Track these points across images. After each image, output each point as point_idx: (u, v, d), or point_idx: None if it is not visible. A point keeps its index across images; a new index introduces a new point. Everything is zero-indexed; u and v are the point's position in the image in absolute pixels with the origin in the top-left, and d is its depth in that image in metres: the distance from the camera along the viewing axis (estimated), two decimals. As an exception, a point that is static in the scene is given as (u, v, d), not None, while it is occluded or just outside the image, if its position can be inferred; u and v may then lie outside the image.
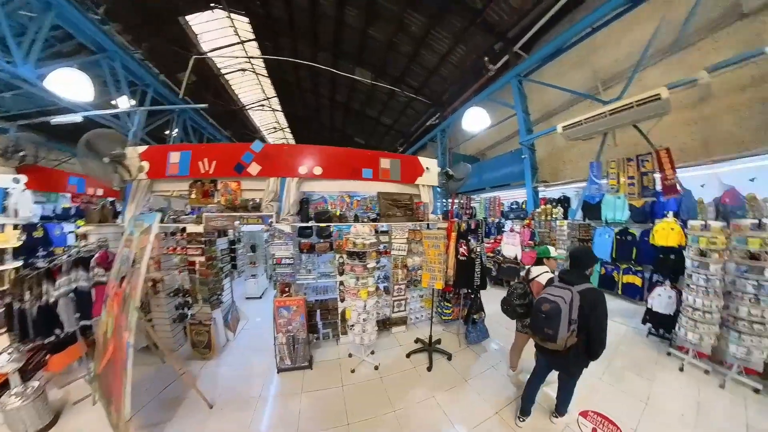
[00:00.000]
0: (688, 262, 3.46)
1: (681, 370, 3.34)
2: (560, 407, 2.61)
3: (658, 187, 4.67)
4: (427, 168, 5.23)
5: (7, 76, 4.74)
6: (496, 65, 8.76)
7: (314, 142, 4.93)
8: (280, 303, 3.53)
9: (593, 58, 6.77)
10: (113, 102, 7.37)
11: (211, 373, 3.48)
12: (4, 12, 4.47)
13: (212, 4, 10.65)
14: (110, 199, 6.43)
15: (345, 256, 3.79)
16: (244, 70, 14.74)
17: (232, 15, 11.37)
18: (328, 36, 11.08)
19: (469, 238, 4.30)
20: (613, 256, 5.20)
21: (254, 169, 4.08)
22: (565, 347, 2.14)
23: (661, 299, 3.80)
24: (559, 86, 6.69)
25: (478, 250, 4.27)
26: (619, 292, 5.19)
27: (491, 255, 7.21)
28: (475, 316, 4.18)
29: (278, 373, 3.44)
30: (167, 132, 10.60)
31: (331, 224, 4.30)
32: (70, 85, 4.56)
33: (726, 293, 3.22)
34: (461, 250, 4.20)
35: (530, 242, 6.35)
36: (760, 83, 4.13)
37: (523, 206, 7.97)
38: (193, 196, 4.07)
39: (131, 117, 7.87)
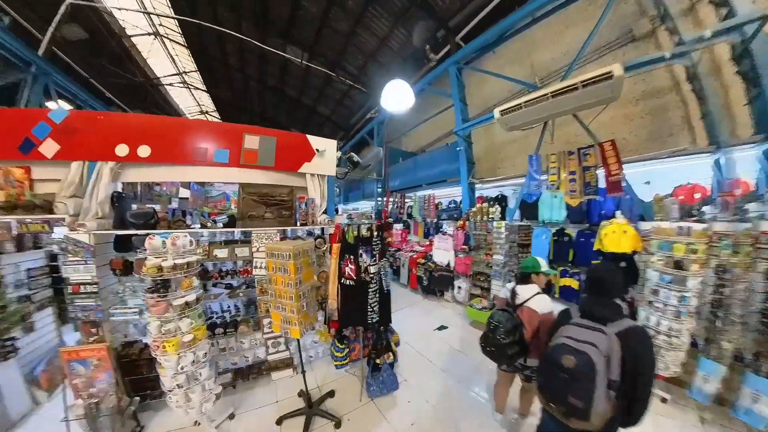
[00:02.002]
0: (652, 275, 2.53)
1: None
2: None
3: (602, 184, 3.89)
4: (318, 150, 3.65)
5: None
6: (438, 55, 7.82)
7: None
8: (70, 355, 2.35)
9: (532, 53, 6.15)
10: None
11: None
12: None
13: None
14: None
15: (146, 285, 2.25)
16: (156, 34, 11.67)
17: None
18: (256, 4, 9.07)
19: (360, 251, 2.84)
20: (550, 258, 4.36)
21: (50, 148, 2.61)
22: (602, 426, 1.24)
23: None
24: (498, 74, 5.86)
25: (374, 269, 2.86)
26: (557, 295, 4.38)
27: (422, 261, 6.01)
28: (377, 361, 2.79)
29: None
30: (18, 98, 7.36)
31: (154, 232, 2.61)
32: None
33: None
34: (347, 270, 2.74)
35: (464, 246, 5.28)
36: (648, 97, 4.47)
37: (460, 205, 7.02)
38: None
39: None
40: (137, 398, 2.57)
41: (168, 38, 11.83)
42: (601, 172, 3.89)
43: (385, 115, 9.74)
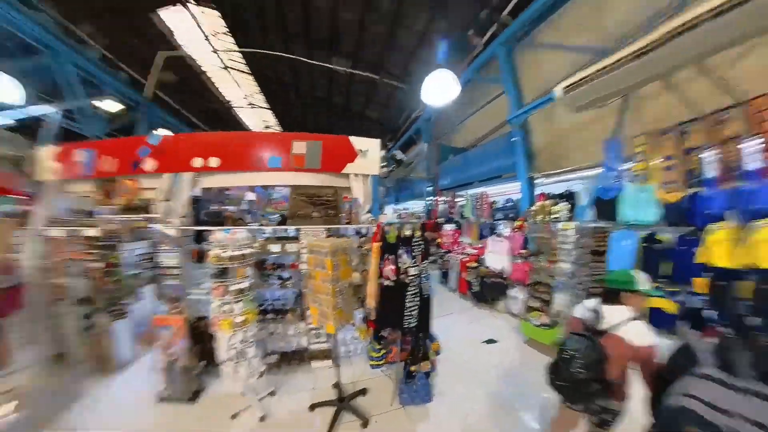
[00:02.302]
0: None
1: None
2: None
3: (752, 164, 2.57)
4: (361, 151, 3.65)
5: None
6: (483, 38, 7.06)
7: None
8: (160, 321, 2.92)
9: (603, 14, 4.99)
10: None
11: (95, 392, 3.00)
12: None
13: None
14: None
15: (210, 271, 2.66)
16: (227, 68, 13.50)
17: (204, 9, 10.10)
18: (298, 23, 9.64)
19: (401, 252, 2.64)
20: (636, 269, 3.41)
21: (150, 165, 3.42)
22: None
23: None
24: (559, 45, 4.94)
25: (413, 271, 2.66)
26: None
27: (474, 266, 5.48)
28: (412, 368, 2.66)
29: (159, 401, 2.86)
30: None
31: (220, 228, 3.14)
32: None
33: None
34: (386, 270, 2.57)
35: (522, 251, 4.61)
36: None
37: (519, 204, 6.22)
38: (98, 197, 3.60)
39: (91, 117, 7.49)
40: (203, 363, 3.08)
41: (235, 69, 13.43)
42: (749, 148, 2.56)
43: (430, 112, 9.29)
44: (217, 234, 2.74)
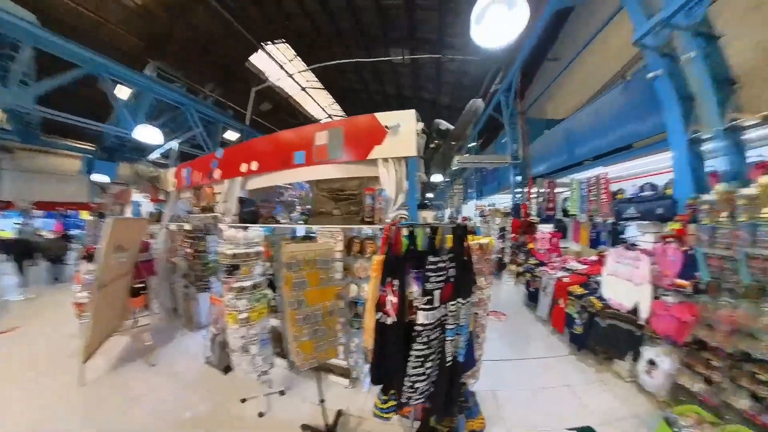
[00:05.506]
0: None
1: None
2: None
3: None
4: (388, 128, 2.68)
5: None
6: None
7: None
8: (212, 300, 3.29)
9: None
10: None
11: (178, 341, 3.86)
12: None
13: (262, 43, 10.97)
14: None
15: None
16: (305, 89, 14.64)
17: (277, 45, 11.22)
18: (349, 27, 9.18)
19: (413, 275, 1.53)
20: None
21: (217, 174, 4.10)
22: None
23: None
24: None
25: (428, 315, 1.50)
26: None
27: (579, 293, 3.38)
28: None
29: (205, 363, 3.24)
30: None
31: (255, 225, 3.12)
32: (147, 135, 6.11)
33: None
34: (388, 300, 1.53)
35: (682, 281, 2.35)
36: None
37: (667, 191, 3.54)
38: (193, 201, 4.60)
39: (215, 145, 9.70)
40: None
41: (311, 87, 14.30)
42: None
43: (511, 79, 6.97)
44: (227, 232, 2.64)
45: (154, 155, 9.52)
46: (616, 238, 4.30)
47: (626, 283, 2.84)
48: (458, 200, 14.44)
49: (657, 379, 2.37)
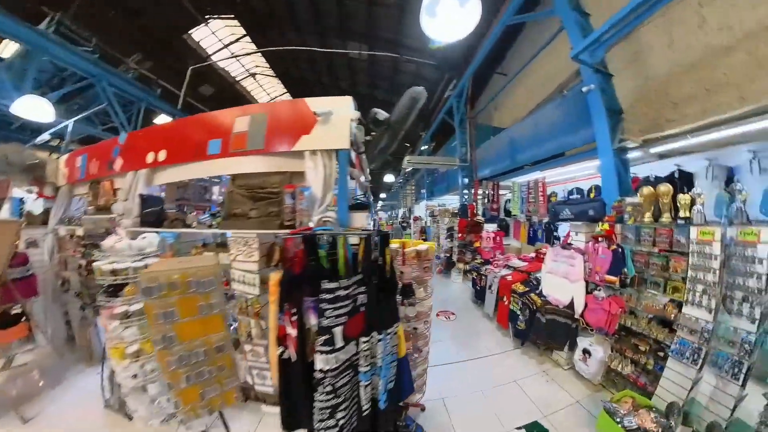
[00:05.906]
0: None
1: None
2: None
3: None
4: (317, 114, 2.20)
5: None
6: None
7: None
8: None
9: None
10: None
11: (71, 381, 2.92)
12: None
13: (206, 17, 9.58)
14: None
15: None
16: (254, 74, 13.30)
17: (225, 20, 9.92)
18: (307, 12, 8.58)
19: (308, 303, 1.16)
20: None
21: (118, 164, 3.13)
22: None
23: None
24: None
25: (335, 356, 1.15)
26: None
27: (522, 290, 3.52)
28: None
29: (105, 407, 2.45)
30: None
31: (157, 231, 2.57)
32: (32, 109, 4.72)
33: None
34: (287, 332, 1.14)
35: (611, 276, 2.56)
36: None
37: (591, 194, 3.98)
38: (90, 198, 3.58)
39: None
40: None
41: (259, 74, 13.09)
42: None
43: (463, 85, 7.24)
44: (107, 240, 2.16)
45: (44, 137, 7.32)
46: (550, 235, 4.76)
47: (563, 280, 3.02)
48: (411, 201, 14.71)
49: (591, 366, 2.54)
